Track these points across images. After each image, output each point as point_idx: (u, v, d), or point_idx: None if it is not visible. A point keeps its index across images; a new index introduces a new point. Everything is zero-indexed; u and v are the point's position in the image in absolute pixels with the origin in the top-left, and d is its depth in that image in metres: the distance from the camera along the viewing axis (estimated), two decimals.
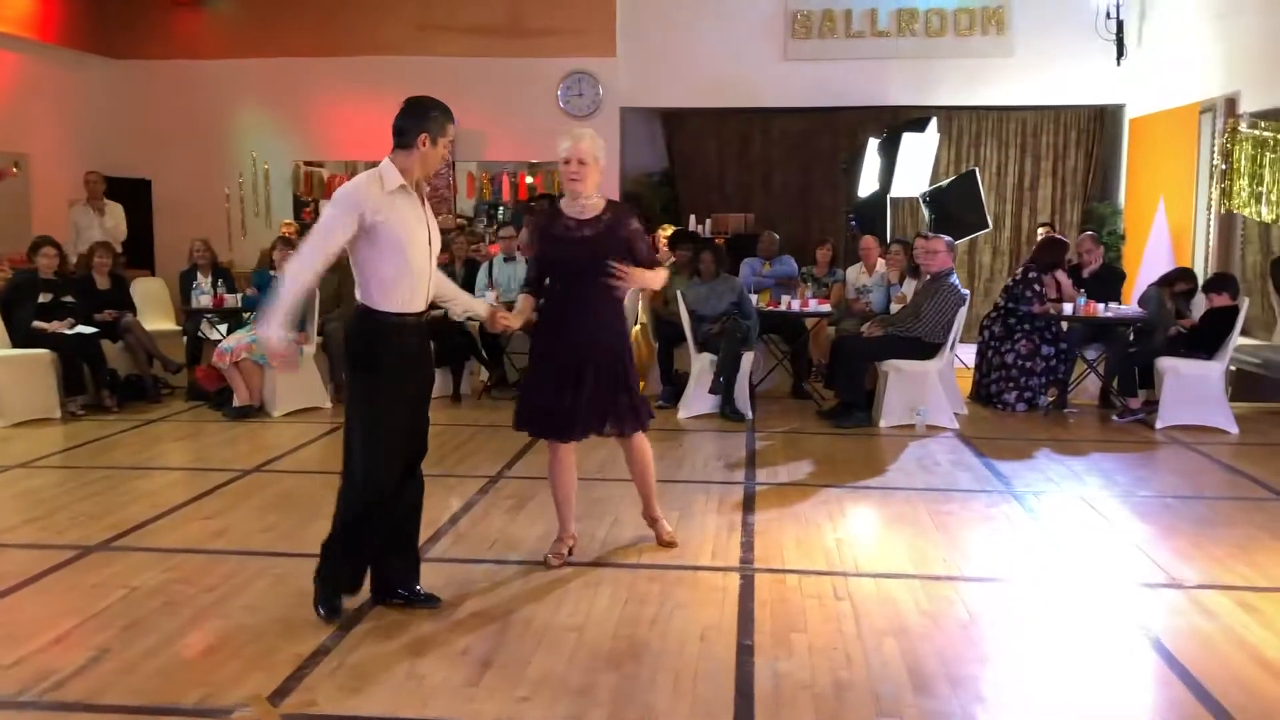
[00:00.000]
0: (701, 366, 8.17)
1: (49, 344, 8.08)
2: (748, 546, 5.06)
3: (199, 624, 4.04)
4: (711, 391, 8.04)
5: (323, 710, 3.35)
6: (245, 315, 8.60)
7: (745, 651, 3.84)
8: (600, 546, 5.03)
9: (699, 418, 8.18)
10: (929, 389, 7.89)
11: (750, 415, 8.21)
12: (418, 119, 3.99)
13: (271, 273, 8.48)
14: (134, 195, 13.20)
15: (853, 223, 11.96)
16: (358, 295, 4.04)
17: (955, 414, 8.16)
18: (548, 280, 4.69)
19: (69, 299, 8.40)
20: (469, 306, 4.62)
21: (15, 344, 8.10)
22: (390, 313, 3.93)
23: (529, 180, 13.42)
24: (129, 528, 5.26)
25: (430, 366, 4.29)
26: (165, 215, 13.50)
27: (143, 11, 13.16)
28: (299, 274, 3.91)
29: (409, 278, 3.94)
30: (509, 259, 9.60)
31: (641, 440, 4.86)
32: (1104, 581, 4.62)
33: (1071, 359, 8.73)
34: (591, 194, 4.59)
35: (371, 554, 4.12)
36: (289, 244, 8.53)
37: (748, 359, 8.27)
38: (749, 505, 5.79)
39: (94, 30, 12.90)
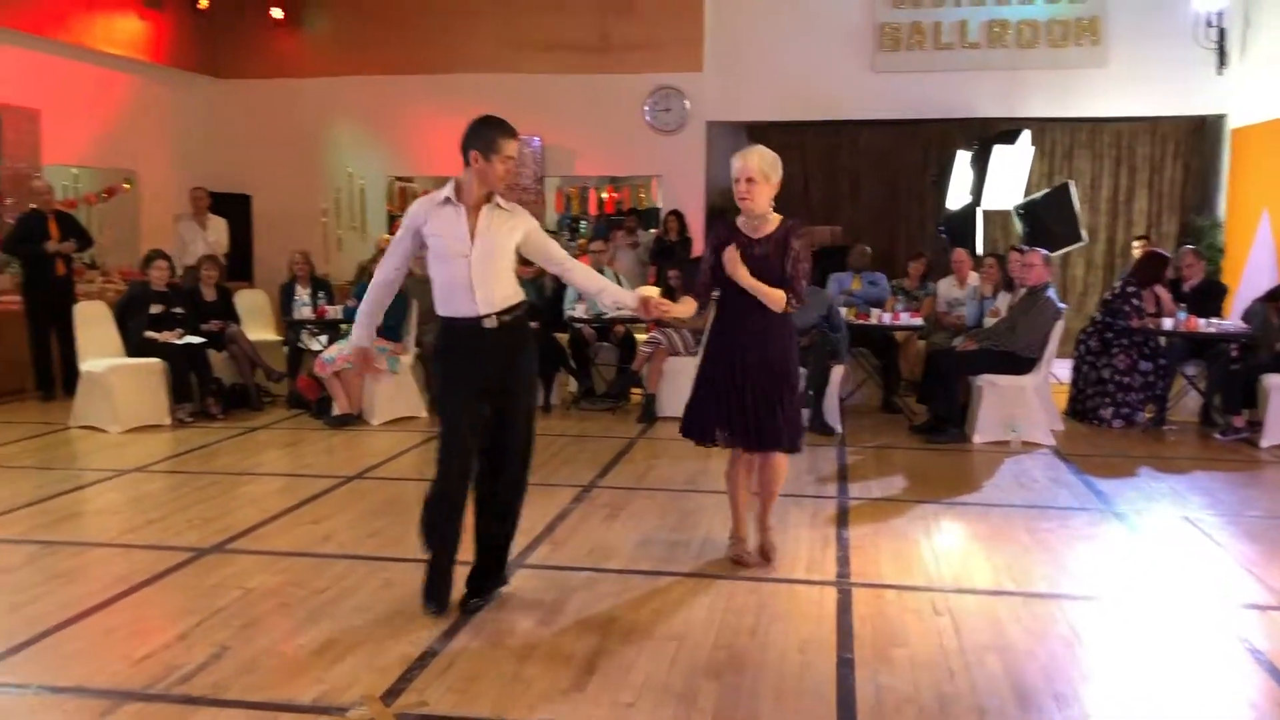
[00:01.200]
0: None
1: (159, 353, 8.38)
2: (843, 561, 5.07)
3: (313, 624, 4.17)
4: (801, 406, 8.02)
5: (433, 710, 3.45)
6: (344, 327, 8.82)
7: (846, 665, 3.86)
8: (695, 557, 5.08)
9: None
10: (1024, 404, 7.81)
11: (839, 430, 8.20)
12: (467, 137, 4.19)
13: None
14: (236, 210, 13.60)
15: (943, 235, 11.86)
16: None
17: (1051, 430, 8.06)
18: (716, 293, 4.81)
19: (178, 310, 8.70)
20: (618, 298, 4.60)
21: (129, 353, 8.41)
22: (444, 316, 4.29)
23: (610, 195, 13.54)
24: (240, 531, 5.44)
25: (495, 366, 4.22)
26: (264, 229, 13.88)
27: (246, 32, 13.59)
28: (373, 284, 4.39)
29: (450, 286, 4.21)
30: (599, 271, 9.67)
31: (782, 459, 4.95)
32: (1211, 602, 4.54)
33: (1171, 375, 8.56)
34: (763, 211, 4.68)
35: (448, 540, 4.29)
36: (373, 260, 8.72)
37: (837, 373, 8.26)
38: (843, 520, 5.79)
39: (201, 51, 13.35)
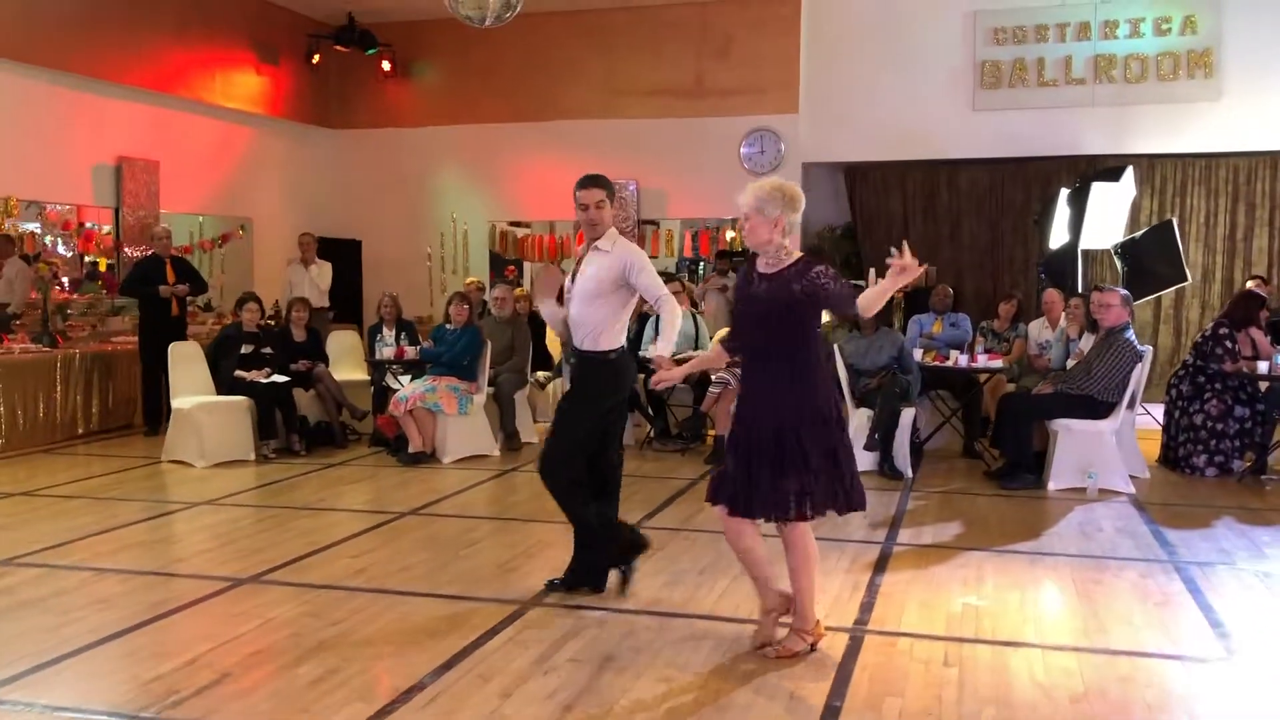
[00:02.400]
0: (859, 422, 8.04)
1: (248, 391, 8.75)
2: (867, 608, 4.94)
3: (317, 655, 4.28)
4: (867, 448, 7.89)
5: None
6: (428, 366, 9.02)
7: (831, 713, 3.77)
8: (716, 599, 5.03)
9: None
10: (1102, 450, 7.50)
11: (910, 474, 8.01)
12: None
13: (448, 326, 8.92)
14: (346, 255, 14.19)
15: (1043, 276, 11.52)
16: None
17: (1133, 477, 7.71)
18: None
19: (268, 350, 9.08)
20: (655, 349, 4.97)
21: (220, 391, 8.81)
22: None
23: (705, 235, 13.60)
24: (282, 563, 5.63)
25: (574, 393, 5.14)
26: (373, 273, 14.39)
27: (357, 84, 14.19)
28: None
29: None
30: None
31: (799, 532, 4.29)
32: (1260, 667, 4.27)
33: (1271, 422, 8.10)
34: (766, 246, 4.25)
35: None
36: (465, 299, 8.96)
37: (908, 415, 8.08)
38: (881, 565, 5.65)
39: (315, 104, 13.99)
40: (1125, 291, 7.80)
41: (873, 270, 12.30)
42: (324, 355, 9.69)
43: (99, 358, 9.95)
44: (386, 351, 9.29)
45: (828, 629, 4.56)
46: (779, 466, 4.17)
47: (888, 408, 7.87)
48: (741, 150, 13.25)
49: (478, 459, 8.67)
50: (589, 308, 4.92)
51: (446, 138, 14.11)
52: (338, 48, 13.48)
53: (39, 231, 10.79)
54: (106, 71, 10.83)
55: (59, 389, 9.52)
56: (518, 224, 14.27)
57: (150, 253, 10.15)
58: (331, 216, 14.25)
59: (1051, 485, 7.58)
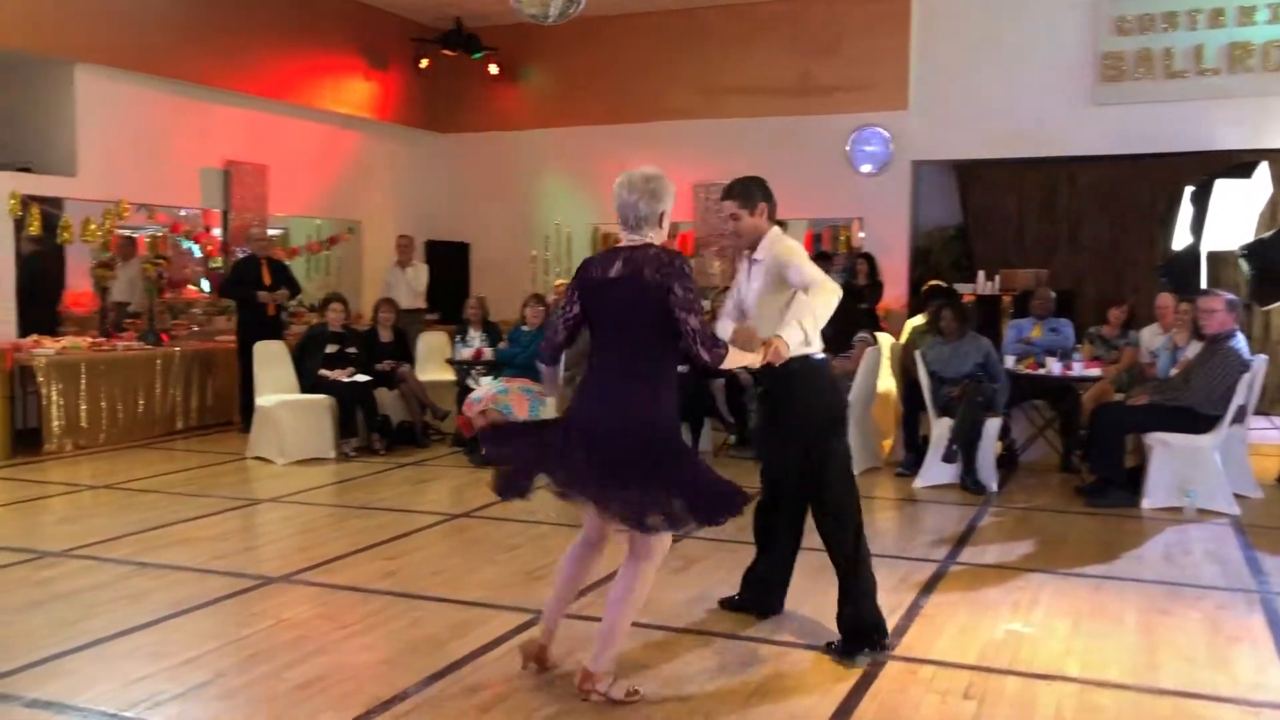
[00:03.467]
0: (941, 433, 7.64)
1: (330, 390, 8.87)
2: (900, 631, 4.63)
3: (313, 658, 4.23)
4: (945, 460, 7.49)
5: None
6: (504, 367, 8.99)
7: None
8: (739, 618, 4.79)
9: (936, 488, 7.63)
10: (1201, 466, 6.93)
11: (994, 488, 7.57)
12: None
13: (524, 328, 8.87)
14: (454, 257, 14.35)
15: (1164, 279, 10.79)
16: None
17: (1241, 497, 7.13)
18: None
19: (353, 349, 9.20)
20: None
21: (304, 390, 8.96)
22: None
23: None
24: (318, 562, 5.63)
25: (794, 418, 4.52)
26: (480, 275, 14.49)
27: (465, 88, 14.31)
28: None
29: None
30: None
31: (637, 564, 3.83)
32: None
33: None
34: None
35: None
36: (540, 301, 8.90)
37: (993, 426, 7.65)
38: (931, 586, 5.31)
39: (423, 108, 14.18)
40: (1231, 297, 7.20)
41: (982, 273, 11.79)
42: (409, 356, 9.76)
43: (200, 355, 10.26)
44: (465, 353, 9.30)
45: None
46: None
47: (969, 418, 7.45)
48: (848, 148, 12.84)
49: None
50: (770, 322, 4.22)
51: (551, 140, 14.11)
52: (445, 52, 13.62)
53: (165, 234, 11.18)
54: (216, 79, 11.17)
55: (159, 385, 9.84)
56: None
57: (248, 254, 10.41)
58: (439, 219, 14.42)
59: (1146, 504, 7.04)
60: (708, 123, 13.22)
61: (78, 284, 10.58)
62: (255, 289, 10.04)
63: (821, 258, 12.33)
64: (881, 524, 6.65)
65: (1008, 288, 11.64)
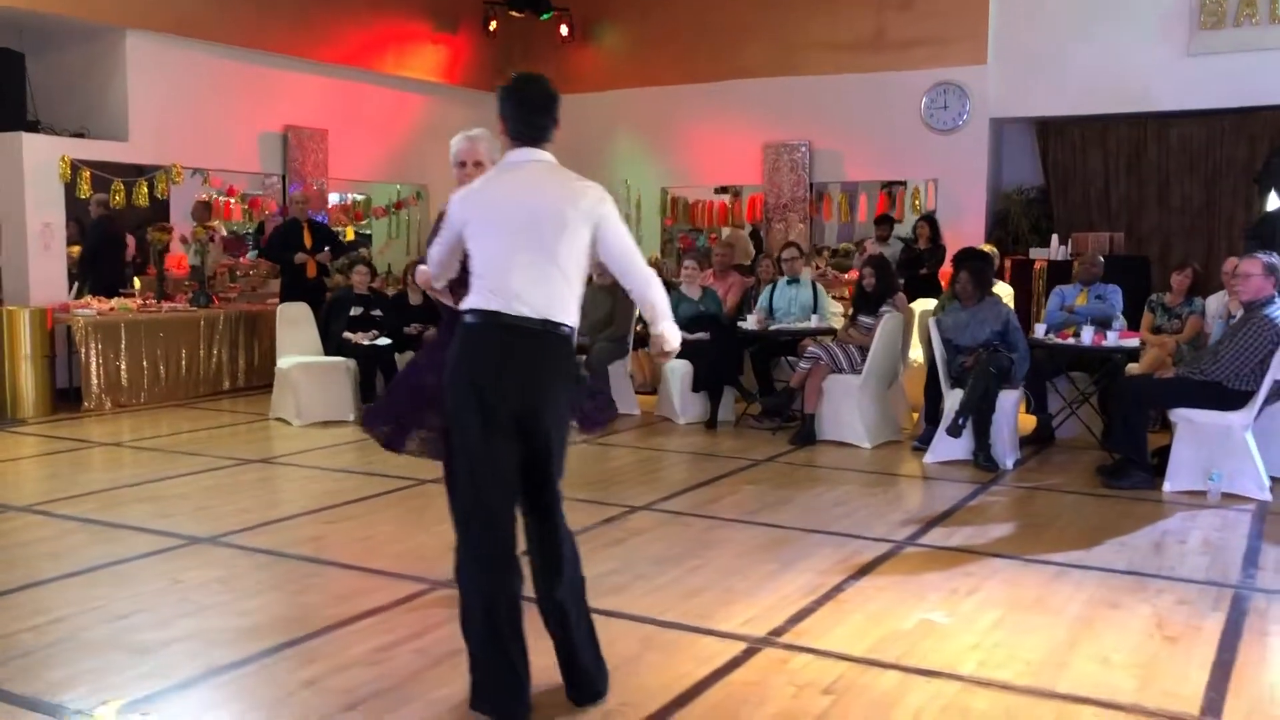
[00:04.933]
0: (951, 404, 7.16)
1: (353, 353, 8.91)
2: (801, 616, 4.31)
3: (178, 621, 4.19)
4: (949, 433, 7.00)
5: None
6: None
7: (617, 716, 3.28)
8: (637, 596, 4.54)
9: (947, 464, 7.16)
10: (1229, 447, 6.30)
11: (1008, 465, 7.06)
12: (556, 108, 3.59)
13: None
14: None
15: (1252, 242, 9.91)
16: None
17: (1278, 481, 6.46)
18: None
19: (377, 313, 9.20)
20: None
21: (328, 352, 9.01)
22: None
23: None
24: (252, 525, 5.60)
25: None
26: None
27: (535, 50, 14.15)
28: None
29: None
30: (792, 281, 9.05)
31: None
32: None
33: None
34: None
35: None
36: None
37: (1008, 399, 7.12)
38: (869, 568, 4.94)
39: (493, 71, 14.08)
40: (1273, 259, 6.49)
41: (1054, 236, 11.04)
42: (438, 319, 9.70)
43: (246, 318, 10.46)
44: None
45: (723, 634, 4.01)
46: None
47: (979, 388, 6.95)
48: (922, 106, 12.20)
49: None
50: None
51: (622, 102, 13.84)
52: (513, 13, 13.49)
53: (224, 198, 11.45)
54: (276, 44, 11.30)
55: (203, 347, 10.07)
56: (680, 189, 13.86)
57: (289, 218, 10.53)
58: None
59: (1167, 486, 6.44)
60: (779, 81, 12.75)
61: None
62: (297, 251, 10.16)
63: (883, 221, 11.80)
64: (861, 500, 6.26)
65: (1079, 252, 10.85)
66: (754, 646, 3.98)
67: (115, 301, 9.86)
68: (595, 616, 3.60)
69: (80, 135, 10.09)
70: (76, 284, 10.43)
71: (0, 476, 6.85)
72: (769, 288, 9.16)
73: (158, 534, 5.42)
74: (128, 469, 7.03)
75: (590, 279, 3.85)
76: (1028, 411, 8.11)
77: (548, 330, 3.28)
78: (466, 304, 3.36)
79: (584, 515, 5.77)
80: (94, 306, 9.53)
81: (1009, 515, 6.00)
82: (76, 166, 9.74)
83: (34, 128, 9.82)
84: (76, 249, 10.56)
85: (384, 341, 9.02)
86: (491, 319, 3.26)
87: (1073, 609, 4.42)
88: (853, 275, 10.37)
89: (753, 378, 8.91)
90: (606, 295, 9.07)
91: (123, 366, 9.42)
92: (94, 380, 9.20)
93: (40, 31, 10.14)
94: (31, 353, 8.94)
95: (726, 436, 8.26)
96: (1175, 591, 4.64)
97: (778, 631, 4.13)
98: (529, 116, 3.48)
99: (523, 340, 3.26)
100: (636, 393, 9.53)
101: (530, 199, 3.39)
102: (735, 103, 13.05)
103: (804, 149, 12.72)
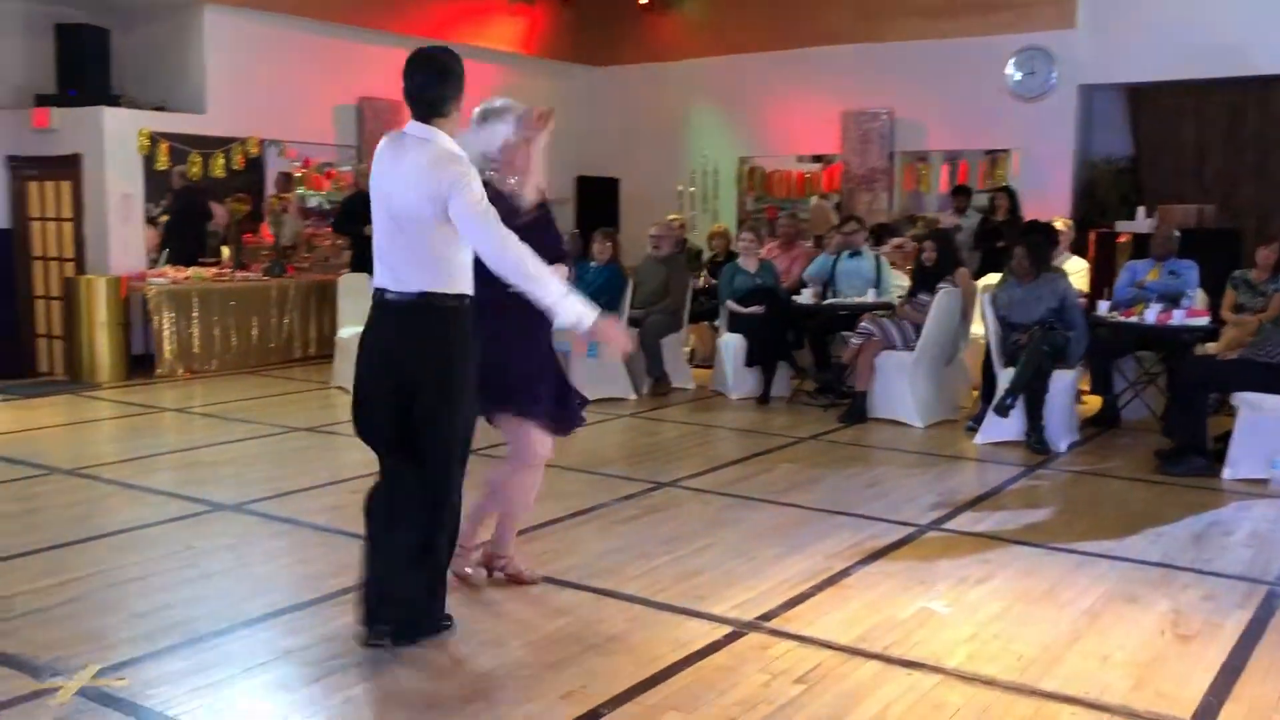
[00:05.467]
0: (1004, 384, 6.90)
1: None
2: (795, 601, 4.20)
3: (180, 587, 4.28)
4: (996, 412, 6.76)
5: (121, 691, 3.39)
6: None
7: (577, 696, 3.22)
8: (615, 573, 4.48)
9: (998, 445, 6.91)
10: None
11: (1061, 448, 6.79)
12: (455, 81, 3.57)
13: (592, 264, 8.67)
14: (603, 193, 14.25)
15: None
16: (430, 281, 3.47)
17: None
18: None
19: None
20: None
21: None
22: (466, 295, 3.54)
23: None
24: (279, 493, 5.70)
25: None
26: (629, 210, 14.31)
27: (615, 19, 14.05)
28: (534, 262, 3.37)
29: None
30: (854, 254, 8.82)
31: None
32: None
33: None
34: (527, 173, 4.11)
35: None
36: (607, 237, 8.69)
37: (1063, 379, 6.83)
38: (881, 553, 4.79)
39: (573, 41, 14.06)
40: None
41: (1141, 209, 10.53)
42: None
43: (317, 287, 10.65)
44: None
45: (708, 616, 3.94)
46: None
47: (1030, 367, 6.68)
48: (1007, 72, 11.74)
49: (610, 402, 8.35)
50: None
51: (701, 70, 13.66)
52: None
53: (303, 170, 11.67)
54: (350, 16, 11.43)
55: (275, 315, 10.30)
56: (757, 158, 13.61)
57: (358, 190, 10.66)
58: (590, 155, 14.29)
59: (1227, 474, 6.11)
60: (860, 48, 12.41)
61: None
62: (364, 223, 10.26)
63: (959, 192, 11.44)
64: (897, 481, 6.09)
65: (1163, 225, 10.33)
66: (738, 631, 3.89)
67: (191, 271, 10.14)
68: (588, 595, 3.72)
69: (160, 108, 10.36)
70: (166, 252, 10.76)
71: (58, 439, 7.11)
72: (829, 260, 8.96)
73: (187, 500, 5.55)
74: (179, 434, 7.24)
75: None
76: (1092, 392, 7.79)
77: (429, 303, 3.41)
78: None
79: (604, 490, 5.77)
80: (169, 275, 9.82)
81: (1048, 500, 5.78)
82: (155, 139, 10.02)
83: (116, 101, 10.12)
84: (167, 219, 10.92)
85: None
86: (379, 296, 3.51)
87: (1085, 602, 4.21)
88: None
89: (809, 353, 8.73)
90: (660, 267, 9.00)
91: (195, 334, 9.69)
92: (166, 347, 9.49)
93: (124, 7, 10.44)
94: (107, 320, 9.26)
95: (778, 413, 8.12)
96: (1203, 586, 4.40)
97: (767, 616, 4.03)
98: (414, 91, 3.53)
99: (402, 315, 3.46)
100: (697, 366, 9.44)
101: (397, 175, 3.45)
102: (814, 70, 12.77)
103: (885, 117, 12.38)
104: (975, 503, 5.66)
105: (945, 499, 5.72)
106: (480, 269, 3.54)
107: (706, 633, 3.88)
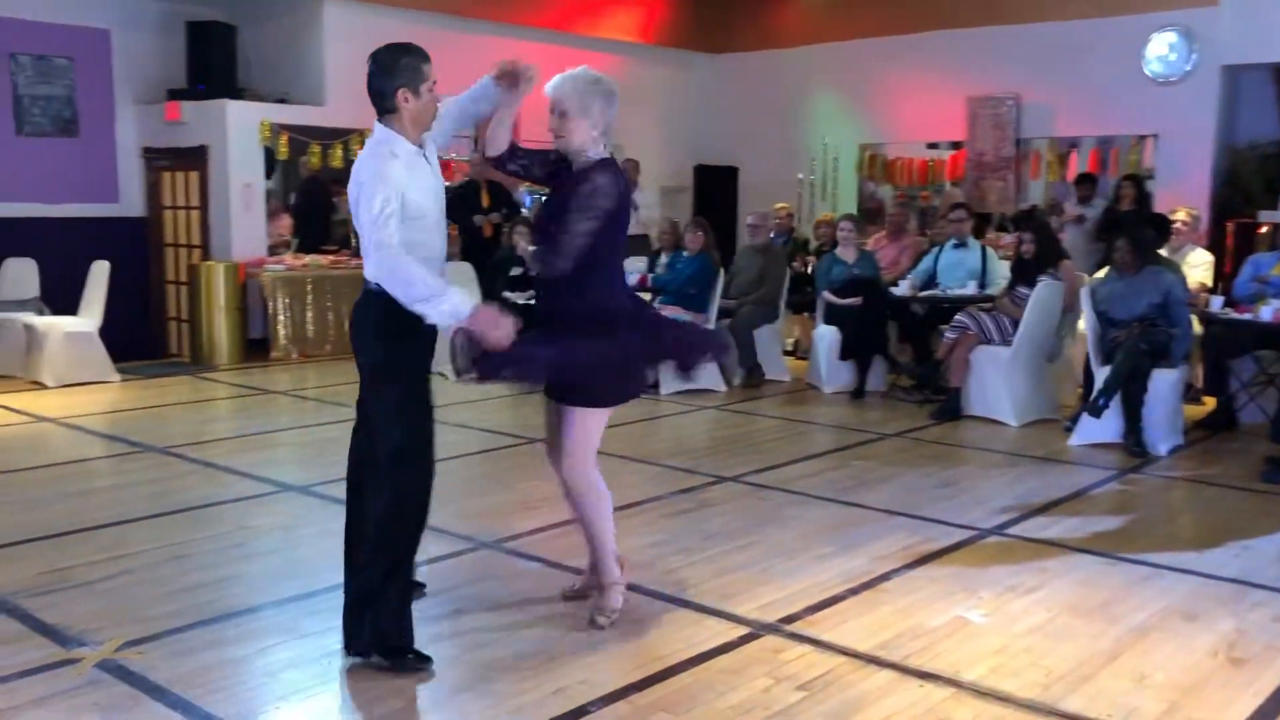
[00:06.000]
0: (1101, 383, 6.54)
1: (512, 311, 9.09)
2: (824, 604, 4.07)
3: (222, 566, 4.43)
4: (1088, 413, 6.41)
5: (135, 667, 3.52)
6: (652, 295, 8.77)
7: (572, 691, 3.19)
8: (671, 571, 4.42)
9: (1094, 447, 6.56)
10: None
11: (1161, 451, 6.40)
12: (390, 75, 3.46)
13: (684, 252, 8.59)
14: (722, 182, 14.14)
15: None
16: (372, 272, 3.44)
17: None
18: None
19: None
20: None
21: None
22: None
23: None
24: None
25: None
26: (749, 200, 14.14)
27: (736, 6, 13.88)
28: (413, 268, 3.34)
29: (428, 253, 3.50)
30: (959, 245, 8.51)
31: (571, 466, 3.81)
32: None
33: None
34: (584, 152, 3.79)
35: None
36: (699, 225, 8.60)
37: (1165, 379, 6.44)
38: (933, 557, 4.60)
39: (692, 28, 13.96)
40: None
41: None
42: None
43: None
44: (631, 280, 9.15)
45: (725, 615, 3.86)
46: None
47: (1127, 366, 6.31)
48: (1143, 53, 11.12)
49: (698, 393, 8.26)
50: None
51: (822, 56, 13.39)
52: None
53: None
54: (466, 9, 11.62)
55: None
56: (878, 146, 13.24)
57: (468, 179, 10.83)
58: (709, 143, 14.22)
59: None
60: (985, 31, 11.97)
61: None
62: (474, 213, 10.44)
63: (1084, 180, 10.90)
64: (973, 482, 5.85)
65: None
66: (755, 633, 3.79)
67: (309, 257, 10.48)
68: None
69: (282, 100, 10.74)
70: (297, 240, 11.17)
71: (161, 419, 7.43)
72: (934, 251, 8.67)
73: (258, 480, 5.74)
74: (275, 416, 7.49)
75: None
76: (1206, 393, 7.33)
77: (367, 290, 3.49)
78: None
79: (664, 483, 5.71)
80: (286, 262, 10.17)
81: (1130, 507, 5.45)
82: (276, 130, 10.39)
83: (240, 94, 10.53)
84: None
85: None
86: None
87: (1138, 617, 3.95)
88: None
89: (908, 346, 8.47)
90: (757, 256, 8.87)
91: (309, 319, 10.02)
92: (280, 331, 9.85)
93: (251, 3, 10.85)
94: (225, 304, 9.66)
95: (869, 409, 7.90)
96: (1275, 606, 4.07)
97: (789, 619, 3.91)
98: (369, 90, 3.52)
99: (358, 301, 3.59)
100: (799, 358, 9.28)
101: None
102: (938, 55, 12.37)
103: (1011, 103, 11.91)
104: (1050, 507, 5.38)
105: (1020, 502, 5.46)
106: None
107: (722, 633, 3.79)
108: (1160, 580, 4.35)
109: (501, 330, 3.48)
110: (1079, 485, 5.78)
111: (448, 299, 3.36)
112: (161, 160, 10.72)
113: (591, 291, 3.76)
